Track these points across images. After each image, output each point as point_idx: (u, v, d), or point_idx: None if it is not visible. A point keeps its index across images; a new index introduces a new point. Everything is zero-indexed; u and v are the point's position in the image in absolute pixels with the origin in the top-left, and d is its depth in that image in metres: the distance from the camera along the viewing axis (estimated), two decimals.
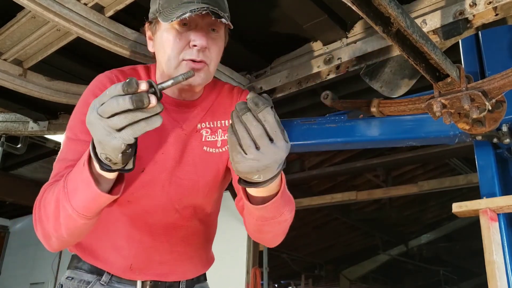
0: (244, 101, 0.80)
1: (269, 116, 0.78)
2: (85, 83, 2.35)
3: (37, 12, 1.63)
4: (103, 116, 0.78)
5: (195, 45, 1.09)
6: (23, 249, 8.60)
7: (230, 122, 0.80)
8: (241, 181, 0.90)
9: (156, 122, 0.79)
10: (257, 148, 0.79)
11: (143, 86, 0.77)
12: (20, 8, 1.72)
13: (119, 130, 0.78)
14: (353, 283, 10.66)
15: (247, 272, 5.31)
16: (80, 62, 2.37)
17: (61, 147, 1.13)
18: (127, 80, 0.76)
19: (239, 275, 5.29)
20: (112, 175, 0.91)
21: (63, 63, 2.34)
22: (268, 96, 0.81)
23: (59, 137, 3.97)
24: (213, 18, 1.06)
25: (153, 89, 0.78)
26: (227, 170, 1.27)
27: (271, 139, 0.79)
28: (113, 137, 0.79)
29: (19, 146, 3.29)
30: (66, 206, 0.94)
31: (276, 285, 10.81)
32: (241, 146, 0.79)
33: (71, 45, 1.97)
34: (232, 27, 1.16)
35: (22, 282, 8.30)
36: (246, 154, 0.79)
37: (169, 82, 0.81)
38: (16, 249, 8.83)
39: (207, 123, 1.24)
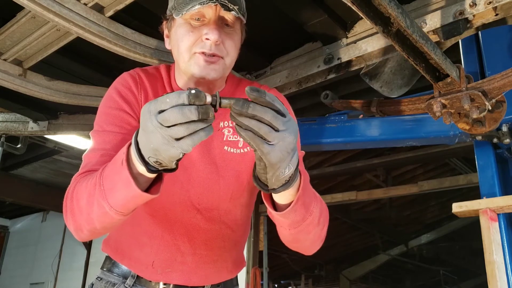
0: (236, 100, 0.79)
1: (273, 96, 0.79)
2: (85, 83, 2.37)
3: (37, 12, 1.63)
4: (163, 125, 0.77)
5: (207, 38, 1.09)
6: (23, 249, 8.61)
7: (235, 124, 0.79)
8: (275, 189, 0.89)
9: (211, 131, 0.79)
10: (276, 130, 0.79)
11: (209, 98, 0.77)
12: (20, 8, 1.72)
13: (178, 139, 0.78)
14: (353, 283, 10.65)
15: (247, 272, 5.31)
16: (80, 62, 2.37)
17: (91, 142, 1.15)
18: (194, 92, 0.76)
19: (239, 275, 5.29)
20: (153, 175, 0.89)
21: (63, 63, 2.35)
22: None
23: (59, 137, 3.97)
24: (223, 11, 1.08)
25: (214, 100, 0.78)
26: None
27: (283, 116, 0.80)
28: (172, 146, 0.78)
29: (19, 146, 3.29)
30: (102, 203, 0.93)
31: (276, 285, 10.81)
32: (261, 136, 0.78)
33: (71, 45, 1.98)
34: (245, 22, 1.17)
35: (22, 282, 8.30)
36: (270, 140, 0.79)
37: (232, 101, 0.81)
38: (16, 249, 8.84)
39: (229, 122, 1.22)
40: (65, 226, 7.92)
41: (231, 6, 1.08)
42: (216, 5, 1.07)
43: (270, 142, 0.79)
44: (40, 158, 5.55)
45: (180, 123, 0.76)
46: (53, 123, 2.79)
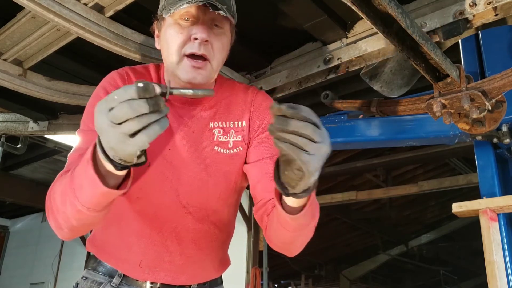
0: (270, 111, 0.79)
1: (310, 111, 0.80)
2: (85, 83, 2.37)
3: (37, 12, 1.63)
4: (114, 122, 0.76)
5: (196, 38, 1.10)
6: (23, 249, 8.61)
7: (274, 137, 0.80)
8: (297, 194, 0.90)
9: (166, 123, 0.78)
10: (314, 142, 0.80)
11: (158, 89, 0.76)
12: (20, 8, 1.72)
13: (132, 135, 0.76)
14: (353, 283, 10.66)
15: (247, 272, 5.31)
16: (80, 62, 2.37)
17: (77, 141, 1.16)
18: (142, 85, 0.74)
19: (239, 275, 5.29)
20: (123, 172, 0.89)
21: (63, 63, 2.35)
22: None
23: (59, 137, 3.97)
24: (211, 10, 1.09)
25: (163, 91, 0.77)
26: (242, 175, 1.26)
27: (319, 128, 0.81)
28: (127, 144, 0.77)
29: (19, 146, 3.29)
30: (74, 202, 0.94)
31: (276, 285, 10.81)
32: (300, 147, 0.79)
33: (71, 45, 1.98)
34: (234, 23, 1.19)
35: (22, 282, 8.30)
36: (307, 150, 0.80)
37: (184, 91, 0.80)
38: (16, 249, 8.84)
39: (220, 122, 1.23)
40: None
41: (219, 5, 1.09)
42: (204, 4, 1.07)
43: (308, 152, 0.80)
44: (40, 158, 5.55)
45: (131, 118, 0.75)
46: (53, 123, 2.79)
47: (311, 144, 0.79)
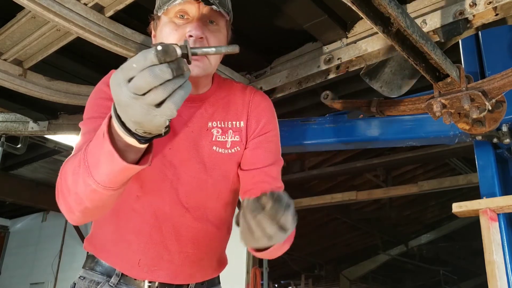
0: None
1: (289, 217, 0.78)
2: (85, 83, 2.37)
3: (37, 12, 1.63)
4: (138, 94, 0.70)
5: (190, 36, 1.11)
6: (23, 249, 8.60)
7: (242, 210, 0.79)
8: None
9: (190, 87, 0.73)
10: (269, 239, 0.80)
11: (179, 51, 0.70)
12: (20, 8, 1.72)
13: (159, 105, 0.71)
14: (353, 283, 10.65)
15: (247, 272, 5.31)
16: (80, 62, 2.37)
17: (81, 132, 1.15)
18: (161, 48, 0.67)
19: (239, 275, 5.29)
20: (145, 145, 0.84)
21: (63, 63, 2.34)
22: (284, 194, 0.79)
23: (59, 137, 3.97)
24: (206, 7, 1.09)
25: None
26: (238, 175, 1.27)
27: (284, 230, 0.79)
28: (154, 116, 0.71)
29: (19, 146, 3.29)
30: (88, 181, 0.89)
31: (276, 285, 10.81)
32: (253, 236, 0.79)
33: (71, 45, 1.97)
34: (229, 19, 1.20)
35: (22, 282, 8.29)
36: (257, 241, 0.80)
37: (206, 49, 0.74)
38: (16, 249, 8.83)
39: (218, 122, 1.24)
40: (65, 226, 7.98)
41: (211, 0, 1.09)
42: (196, 0, 1.08)
43: (258, 240, 0.80)
44: (40, 158, 5.55)
45: (155, 87, 0.69)
46: (53, 123, 2.79)
47: (264, 239, 0.79)
